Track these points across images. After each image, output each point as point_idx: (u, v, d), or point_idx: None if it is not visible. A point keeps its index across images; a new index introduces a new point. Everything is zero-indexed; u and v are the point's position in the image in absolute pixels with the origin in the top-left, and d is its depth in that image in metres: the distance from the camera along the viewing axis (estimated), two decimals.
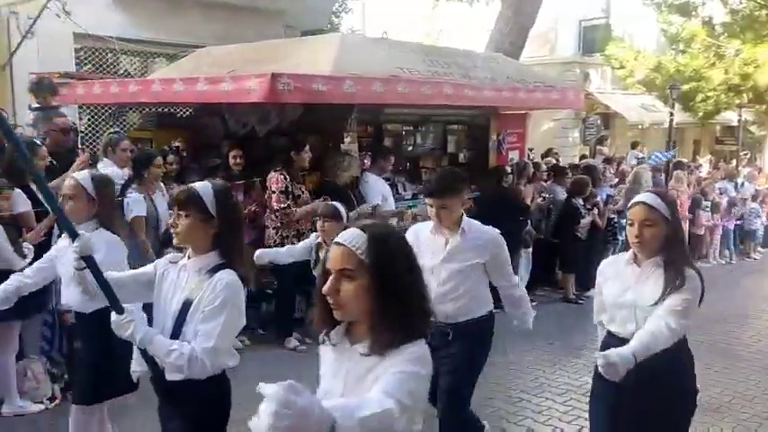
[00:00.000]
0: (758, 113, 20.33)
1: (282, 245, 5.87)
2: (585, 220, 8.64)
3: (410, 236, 3.37)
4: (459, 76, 7.57)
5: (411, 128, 8.25)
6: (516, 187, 8.34)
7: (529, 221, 8.31)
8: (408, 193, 7.85)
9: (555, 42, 19.89)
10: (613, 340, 2.92)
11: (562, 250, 8.75)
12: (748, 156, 23.38)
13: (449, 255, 3.57)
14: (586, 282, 9.04)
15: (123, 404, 3.76)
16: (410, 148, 8.28)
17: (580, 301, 8.57)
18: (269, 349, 6.11)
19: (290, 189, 5.97)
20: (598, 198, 9.13)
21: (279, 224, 6.03)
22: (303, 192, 6.15)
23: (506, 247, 3.76)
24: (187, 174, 6.55)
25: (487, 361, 5.99)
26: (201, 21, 10.65)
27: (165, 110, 8.80)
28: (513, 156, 9.18)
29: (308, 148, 6.18)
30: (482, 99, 7.64)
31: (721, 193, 12.61)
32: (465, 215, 3.71)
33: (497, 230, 3.73)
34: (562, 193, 8.91)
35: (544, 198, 8.95)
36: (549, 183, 9.32)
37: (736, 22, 17.66)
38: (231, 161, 6.47)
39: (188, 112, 8.90)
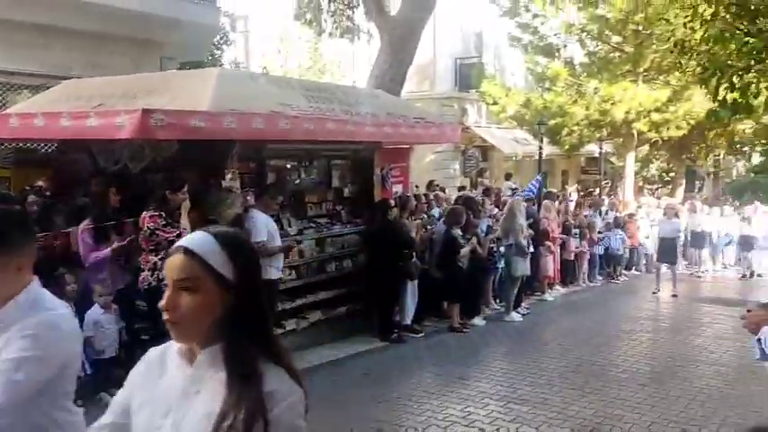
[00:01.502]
0: (617, 146, 22.01)
1: (158, 287, 5.59)
2: (465, 250, 8.91)
3: None
4: (342, 112, 7.63)
5: (295, 163, 8.20)
6: (401, 220, 8.47)
7: (414, 254, 8.44)
8: (294, 229, 7.75)
9: (434, 79, 20.63)
10: None
11: (446, 280, 8.96)
12: (609, 184, 25.25)
13: None
14: (471, 310, 9.33)
15: None
16: (295, 183, 8.22)
17: (465, 330, 8.79)
18: None
19: (168, 224, 5.69)
20: (478, 228, 9.46)
21: (154, 265, 5.71)
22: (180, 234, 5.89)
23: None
24: (52, 216, 6.11)
25: (374, 395, 6.03)
26: (71, 50, 10.07)
27: (26, 146, 8.18)
28: (398, 189, 9.35)
29: (186, 189, 5.92)
30: (364, 134, 7.75)
31: (588, 222, 13.47)
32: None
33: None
34: (441, 225, 9.17)
35: (426, 229, 9.15)
36: (428, 214, 9.55)
37: (593, 63, 19.14)
38: (107, 198, 6.12)
39: (51, 148, 8.32)
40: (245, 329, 1.52)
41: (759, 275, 15.23)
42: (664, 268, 12.41)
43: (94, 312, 5.72)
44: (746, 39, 3.51)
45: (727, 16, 3.73)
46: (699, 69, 4.03)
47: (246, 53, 24.95)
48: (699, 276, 15.07)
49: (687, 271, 15.21)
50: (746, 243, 15.31)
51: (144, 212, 5.68)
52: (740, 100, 3.74)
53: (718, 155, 25.62)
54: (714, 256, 16.26)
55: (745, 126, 18.78)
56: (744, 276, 14.95)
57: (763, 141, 20.72)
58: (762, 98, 3.65)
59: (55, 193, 7.00)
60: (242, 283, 1.52)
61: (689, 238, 15.38)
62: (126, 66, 9.30)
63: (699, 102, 17.65)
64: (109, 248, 5.87)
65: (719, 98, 3.71)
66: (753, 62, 3.49)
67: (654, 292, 11.94)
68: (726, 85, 3.67)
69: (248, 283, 1.54)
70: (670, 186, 26.74)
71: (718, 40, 3.68)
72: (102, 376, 5.50)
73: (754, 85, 3.61)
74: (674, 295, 12.03)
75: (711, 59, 3.86)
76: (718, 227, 16.17)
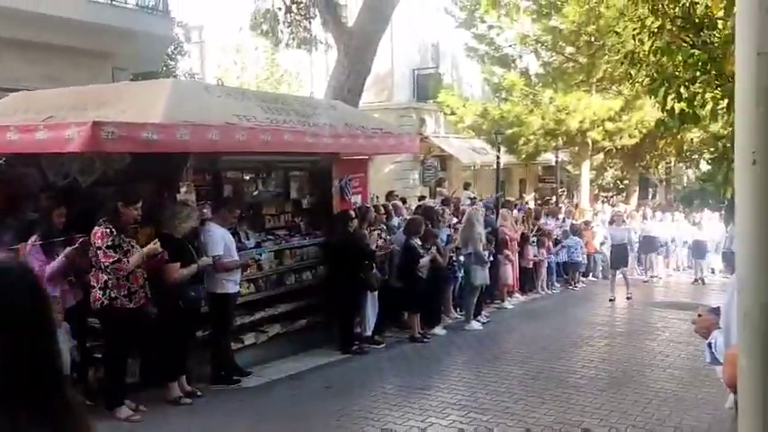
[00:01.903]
0: (572, 154, 22.43)
1: (111, 306, 5.44)
2: (425, 260, 8.92)
3: None
4: (299, 123, 7.58)
5: (252, 174, 8.11)
6: (361, 231, 8.44)
7: (374, 265, 8.41)
8: (252, 242, 7.65)
9: (391, 89, 20.75)
10: None
11: (406, 291, 8.95)
12: (565, 192, 25.72)
13: None
14: (431, 320, 9.34)
15: None
16: (252, 195, 8.12)
17: (426, 340, 8.78)
18: (98, 421, 5.58)
19: (117, 243, 5.50)
20: (438, 238, 9.49)
21: (105, 284, 5.53)
22: (134, 246, 5.72)
23: None
24: (0, 232, 5.89)
25: (335, 409, 5.97)
26: (21, 62, 9.81)
27: None
28: (357, 200, 9.31)
29: (139, 204, 5.75)
30: (322, 146, 7.70)
31: (545, 230, 13.66)
32: None
33: None
34: (400, 235, 9.17)
35: (385, 240, 9.14)
36: (387, 224, 9.53)
37: (548, 74, 19.53)
38: (54, 216, 5.92)
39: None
40: (13, 389, 1.16)
41: (711, 276, 15.68)
42: (619, 275, 12.64)
43: None
44: (692, 51, 3.62)
45: (673, 29, 3.84)
46: (647, 80, 4.12)
47: (201, 64, 24.72)
48: (652, 281, 15.40)
49: (641, 276, 15.54)
50: (698, 248, 15.73)
51: (96, 227, 5.51)
52: (687, 110, 3.85)
53: (669, 163, 26.34)
54: (666, 260, 16.68)
55: (694, 135, 19.33)
56: (696, 281, 15.33)
57: (711, 149, 21.34)
58: (708, 108, 3.76)
59: (3, 208, 6.76)
60: (10, 327, 1.18)
61: (641, 244, 15.72)
62: (78, 77, 9.09)
63: (650, 111, 18.14)
64: (62, 255, 5.63)
65: (668, 108, 3.81)
66: (698, 73, 3.60)
67: (611, 300, 12.12)
68: (673, 95, 3.78)
69: (20, 327, 1.19)
70: (624, 194, 27.36)
71: (665, 51, 3.78)
72: None
73: (699, 96, 3.71)
74: (629, 298, 12.33)
75: (659, 71, 3.96)
76: (670, 232, 16.60)
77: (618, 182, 29.40)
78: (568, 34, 18.07)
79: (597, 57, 18.26)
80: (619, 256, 12.77)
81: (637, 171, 25.17)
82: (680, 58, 3.77)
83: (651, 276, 15.62)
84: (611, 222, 13.96)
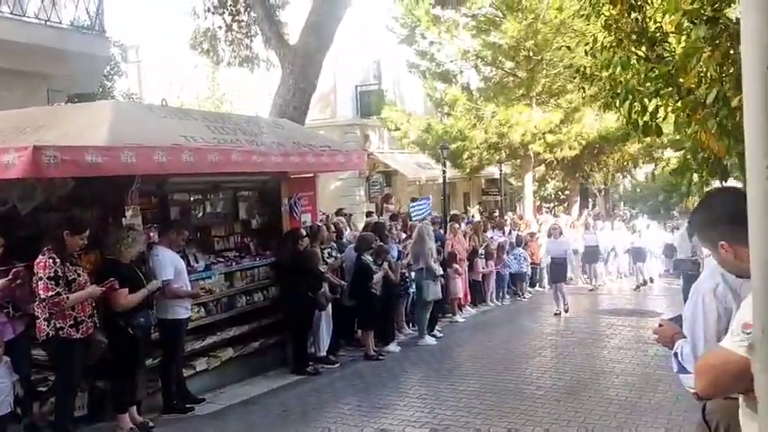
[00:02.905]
0: (515, 167, 22.90)
1: (57, 336, 5.19)
2: (378, 276, 8.89)
3: None
4: (246, 143, 7.45)
5: (199, 196, 7.91)
6: (312, 250, 8.34)
7: (323, 284, 8.32)
8: (201, 265, 7.45)
9: (335, 106, 20.76)
10: None
11: (360, 308, 8.89)
12: (508, 204, 26.21)
13: None
14: (385, 337, 9.29)
15: None
16: (200, 217, 7.92)
17: (381, 357, 8.73)
18: None
19: (60, 273, 5.25)
20: (389, 254, 9.48)
21: (50, 314, 5.27)
22: (79, 274, 5.48)
23: None
24: None
25: None
26: None
27: None
28: (306, 218, 9.22)
29: (86, 233, 5.52)
30: (271, 165, 7.58)
31: (492, 242, 13.83)
32: None
33: None
34: (351, 253, 9.12)
35: (335, 258, 9.06)
36: (336, 242, 9.46)
37: (489, 88, 19.92)
38: None
39: None
40: None
41: (651, 282, 16.19)
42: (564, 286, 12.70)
43: None
44: (651, 65, 3.74)
45: (627, 43, 3.96)
46: (605, 93, 4.24)
47: (140, 84, 24.16)
48: (597, 289, 15.79)
49: (586, 285, 15.91)
50: (638, 254, 16.24)
51: (40, 256, 5.25)
52: (650, 122, 3.97)
53: (608, 173, 27.20)
54: (608, 268, 17.14)
55: (630, 148, 19.99)
56: (638, 287, 15.80)
57: (647, 159, 22.17)
58: (671, 120, 3.89)
59: None
60: None
61: (584, 254, 16.09)
62: (11, 100, 8.71)
63: (588, 123, 18.72)
64: None
65: (631, 121, 3.91)
66: (661, 86, 3.72)
67: (556, 313, 12.10)
68: (637, 108, 3.89)
69: None
70: (566, 204, 28.06)
71: (624, 65, 3.90)
72: None
73: (662, 109, 3.83)
74: (566, 311, 12.07)
75: (617, 85, 4.07)
76: (611, 241, 17.09)
77: (559, 192, 30.17)
78: (508, 49, 18.50)
79: (536, 71, 18.73)
80: (556, 270, 12.90)
81: (577, 182, 25.88)
82: (641, 70, 3.88)
83: (596, 285, 16.00)
84: (549, 235, 14.10)
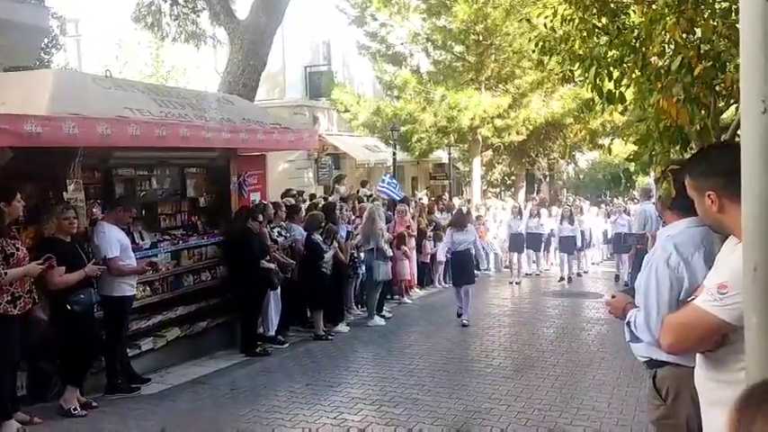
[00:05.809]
0: (463, 152, 23.07)
1: None
2: (328, 255, 8.84)
3: None
4: (194, 117, 7.26)
5: (145, 172, 7.67)
6: (260, 229, 8.21)
7: (273, 263, 8.21)
8: (147, 243, 7.25)
9: (284, 87, 20.45)
10: None
11: (309, 288, 8.83)
12: (456, 188, 26.45)
13: None
14: (335, 317, 9.27)
15: None
16: (144, 194, 7.69)
17: (330, 337, 8.71)
18: None
19: None
20: (339, 234, 9.43)
21: None
22: (18, 248, 5.25)
23: None
24: None
25: (243, 412, 5.77)
26: None
27: None
28: (255, 197, 9.08)
29: (19, 197, 5.31)
30: (221, 141, 7.43)
31: (441, 225, 13.90)
32: None
33: None
34: (301, 233, 9.02)
35: (285, 237, 8.95)
36: (286, 222, 9.34)
37: (439, 72, 19.94)
38: None
39: None
40: None
41: (592, 267, 16.57)
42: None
43: None
44: (616, 34, 3.78)
45: (588, 16, 4.00)
46: (564, 65, 4.28)
47: (79, 58, 23.24)
48: (542, 273, 16.04)
49: (529, 270, 16.03)
50: (565, 244, 15.84)
51: None
52: (614, 90, 4.02)
53: (553, 159, 27.72)
54: (546, 254, 17.21)
55: (593, 123, 20.01)
56: (561, 278, 15.23)
57: (590, 144, 22.63)
58: (632, 89, 3.95)
59: None
60: None
61: (528, 240, 16.21)
62: None
63: (536, 108, 18.99)
64: None
65: (596, 88, 3.96)
66: (626, 53, 3.77)
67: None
68: (602, 74, 3.93)
69: None
70: (512, 189, 28.52)
71: (590, 33, 3.94)
72: None
73: (626, 78, 3.89)
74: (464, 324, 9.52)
75: (575, 59, 4.12)
76: (550, 227, 17.24)
77: (506, 177, 30.60)
78: (458, 33, 18.52)
79: (486, 55, 18.85)
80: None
81: (524, 167, 26.28)
82: (605, 39, 3.92)
83: (541, 270, 16.16)
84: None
